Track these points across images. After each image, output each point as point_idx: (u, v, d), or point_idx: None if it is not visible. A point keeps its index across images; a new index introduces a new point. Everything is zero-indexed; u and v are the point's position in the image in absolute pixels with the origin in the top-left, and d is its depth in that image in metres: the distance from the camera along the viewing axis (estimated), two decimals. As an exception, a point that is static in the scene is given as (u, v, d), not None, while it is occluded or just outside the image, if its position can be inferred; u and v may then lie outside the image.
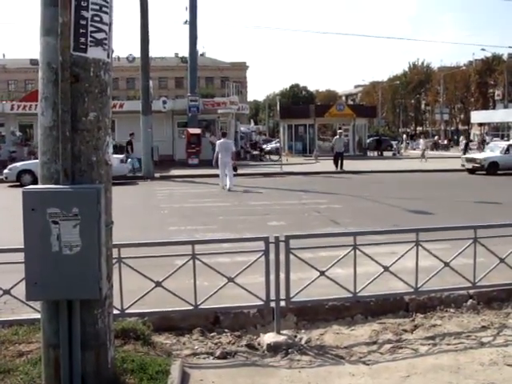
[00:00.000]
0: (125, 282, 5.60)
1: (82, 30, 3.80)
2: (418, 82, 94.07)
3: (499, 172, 26.39)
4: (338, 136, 29.82)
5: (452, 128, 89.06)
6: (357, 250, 6.01)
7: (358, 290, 6.06)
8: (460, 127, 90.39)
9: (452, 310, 6.73)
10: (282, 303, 5.93)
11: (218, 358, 5.52)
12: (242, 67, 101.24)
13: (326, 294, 6.29)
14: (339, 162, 28.61)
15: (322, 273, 6.00)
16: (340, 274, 6.32)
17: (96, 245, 3.88)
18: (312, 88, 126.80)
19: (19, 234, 3.92)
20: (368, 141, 48.75)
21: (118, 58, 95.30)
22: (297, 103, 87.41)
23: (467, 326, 6.24)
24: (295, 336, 5.96)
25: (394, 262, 6.19)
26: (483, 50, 70.11)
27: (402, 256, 6.22)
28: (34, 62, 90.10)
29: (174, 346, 5.82)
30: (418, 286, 6.23)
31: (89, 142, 4.00)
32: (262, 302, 5.90)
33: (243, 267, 5.85)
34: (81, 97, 3.92)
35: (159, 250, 6.20)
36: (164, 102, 32.93)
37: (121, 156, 25.24)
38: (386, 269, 6.13)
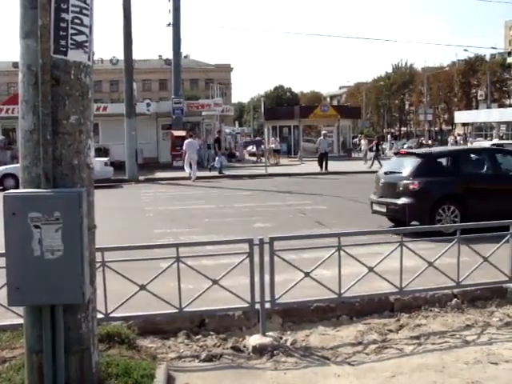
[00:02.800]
0: (109, 286, 5.57)
1: (62, 33, 3.77)
2: (401, 83, 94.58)
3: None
4: (322, 137, 29.93)
5: (436, 128, 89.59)
6: (341, 251, 6.02)
7: (342, 291, 6.07)
8: (444, 127, 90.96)
9: (437, 310, 6.76)
10: (267, 305, 5.93)
11: (204, 360, 5.50)
12: (226, 69, 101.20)
13: (312, 296, 6.30)
14: (324, 162, 28.67)
15: (307, 274, 6.01)
16: (325, 275, 6.33)
17: (78, 249, 3.85)
18: (296, 89, 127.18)
19: (1, 238, 3.88)
20: (353, 141, 48.92)
21: (102, 60, 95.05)
22: (281, 105, 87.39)
23: (452, 325, 6.27)
24: (280, 338, 5.96)
25: (378, 263, 6.21)
26: (466, 50, 70.87)
27: (387, 256, 6.24)
28: (16, 65, 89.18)
29: (159, 349, 5.79)
30: (403, 285, 6.26)
31: (70, 146, 3.97)
32: (247, 305, 5.89)
33: (228, 269, 5.84)
34: (61, 100, 3.89)
35: (144, 253, 6.20)
36: (148, 105, 32.83)
37: (105, 159, 25.14)
38: (371, 269, 6.15)
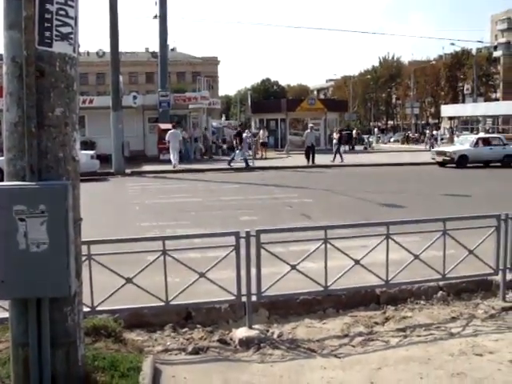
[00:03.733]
0: (95, 279, 5.55)
1: (46, 24, 3.73)
2: (388, 77, 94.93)
3: (469, 165, 26.77)
4: (308, 130, 29.91)
5: (423, 122, 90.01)
6: (328, 244, 6.03)
7: (329, 284, 6.09)
8: (430, 121, 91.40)
9: (422, 302, 6.82)
10: (254, 298, 5.93)
11: (190, 353, 5.51)
12: (213, 62, 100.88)
13: (298, 288, 6.31)
14: (311, 155, 28.69)
15: (293, 267, 6.02)
16: (311, 268, 6.33)
17: (64, 242, 3.83)
18: (283, 82, 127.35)
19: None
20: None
21: (88, 52, 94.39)
22: (268, 98, 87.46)
23: (437, 318, 6.32)
24: (267, 330, 5.97)
25: (364, 256, 6.23)
26: (453, 44, 70.98)
27: (373, 249, 6.27)
28: (0, 57, 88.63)
29: (146, 342, 5.80)
30: (389, 278, 6.29)
31: (55, 138, 3.94)
32: (233, 297, 5.89)
33: (214, 262, 5.84)
34: (46, 92, 3.85)
35: (131, 246, 6.18)
36: (134, 98, 32.60)
37: (91, 152, 24.95)
38: (357, 262, 6.17)
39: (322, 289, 6.12)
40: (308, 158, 28.61)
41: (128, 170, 26.59)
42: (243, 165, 27.91)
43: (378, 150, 45.63)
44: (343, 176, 24.58)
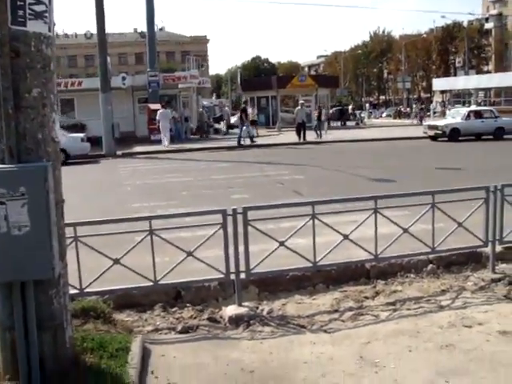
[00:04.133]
0: (83, 261, 5.52)
1: (19, 3, 3.64)
2: (379, 51, 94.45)
3: (460, 138, 26.76)
4: (299, 107, 29.73)
5: (415, 96, 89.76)
6: (316, 220, 6.01)
7: (317, 260, 6.08)
8: (422, 95, 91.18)
9: (412, 276, 6.83)
10: (242, 275, 5.92)
11: (180, 332, 5.51)
12: (202, 41, 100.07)
13: (287, 265, 6.30)
14: (302, 132, 28.58)
15: (282, 243, 6.00)
16: (300, 244, 6.31)
17: (46, 224, 3.79)
18: (274, 59, 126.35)
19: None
20: (331, 111, 48.87)
21: (76, 34, 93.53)
22: (259, 75, 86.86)
23: (427, 291, 6.34)
24: (257, 307, 5.98)
25: (353, 230, 6.22)
26: (443, 17, 70.91)
27: (361, 224, 6.25)
28: None
29: (136, 322, 5.80)
30: (378, 253, 6.28)
31: (34, 120, 3.88)
32: (222, 275, 5.88)
33: (202, 241, 5.82)
34: (22, 73, 3.78)
35: (118, 227, 6.14)
36: (123, 79, 32.29)
37: (81, 135, 24.78)
38: (346, 237, 6.16)
39: (310, 265, 6.11)
40: (299, 135, 28.51)
41: (119, 152, 26.46)
42: (235, 144, 27.82)
43: (370, 126, 45.54)
44: (334, 152, 24.51)
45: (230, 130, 38.15)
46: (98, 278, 5.68)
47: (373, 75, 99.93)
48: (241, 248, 5.81)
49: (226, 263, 5.82)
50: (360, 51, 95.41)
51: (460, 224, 6.57)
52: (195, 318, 5.86)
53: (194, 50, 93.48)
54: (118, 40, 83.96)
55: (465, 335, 5.06)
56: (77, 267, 5.46)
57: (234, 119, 41.29)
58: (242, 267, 5.87)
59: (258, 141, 30.13)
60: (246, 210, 5.80)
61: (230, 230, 5.74)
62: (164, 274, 5.76)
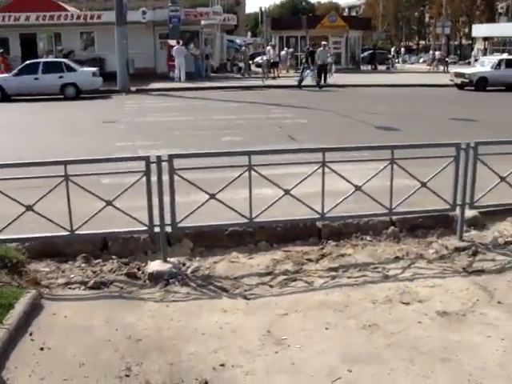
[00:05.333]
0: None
1: None
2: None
3: (488, 88, 25.28)
4: (321, 48, 28.36)
5: (456, 42, 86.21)
6: (253, 172, 5.36)
7: (254, 216, 5.46)
8: (464, 42, 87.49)
9: (369, 238, 6.15)
10: (168, 229, 5.36)
11: (91, 288, 5.07)
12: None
13: (222, 220, 5.69)
14: (323, 74, 27.39)
15: (212, 196, 5.39)
16: (236, 197, 5.69)
17: None
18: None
19: None
20: (362, 54, 47.13)
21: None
22: (296, 14, 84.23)
23: (379, 257, 5.69)
24: (184, 264, 5.46)
25: (296, 185, 5.55)
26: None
27: (306, 178, 5.57)
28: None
29: (51, 274, 5.35)
30: (325, 211, 5.62)
31: None
32: (145, 228, 5.33)
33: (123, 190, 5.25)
34: None
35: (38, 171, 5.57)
36: (144, 13, 31.17)
37: (92, 69, 24.20)
38: (287, 192, 5.50)
39: (246, 221, 5.50)
40: (320, 77, 27.31)
41: (133, 88, 25.77)
42: (255, 83, 26.88)
43: (400, 71, 43.65)
44: (352, 96, 23.41)
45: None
46: (10, 224, 5.18)
47: (414, 19, 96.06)
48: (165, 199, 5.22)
49: (150, 215, 5.26)
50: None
51: (423, 184, 5.83)
52: (114, 272, 5.36)
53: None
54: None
55: (397, 314, 4.45)
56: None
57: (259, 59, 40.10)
58: (168, 220, 5.30)
59: (279, 82, 29.17)
60: (171, 157, 5.19)
61: (152, 178, 5.16)
62: (81, 224, 5.24)
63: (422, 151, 6.14)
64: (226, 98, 22.14)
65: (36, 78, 22.39)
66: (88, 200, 5.40)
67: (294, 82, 27.55)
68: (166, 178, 5.20)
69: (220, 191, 5.40)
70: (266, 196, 5.88)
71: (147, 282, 5.16)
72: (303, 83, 26.63)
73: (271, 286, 5.03)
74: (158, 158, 5.13)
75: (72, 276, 5.26)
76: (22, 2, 36.09)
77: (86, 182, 5.32)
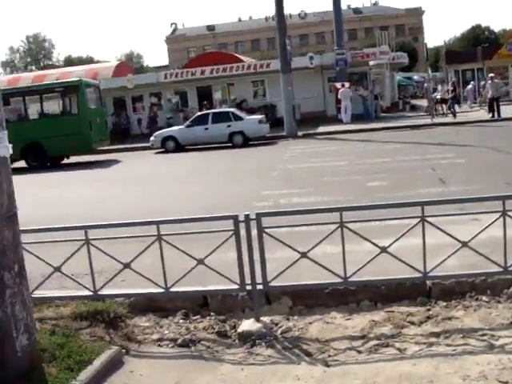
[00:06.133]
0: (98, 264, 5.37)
1: None
2: None
3: None
4: (489, 80, 26.65)
5: None
6: (344, 228, 5.10)
7: (348, 275, 5.17)
8: None
9: (485, 299, 5.49)
10: (260, 287, 5.28)
11: (180, 345, 5.11)
12: (417, 13, 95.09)
13: (314, 278, 5.45)
14: (495, 108, 25.64)
15: (304, 254, 5.21)
16: (327, 253, 5.47)
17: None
18: (497, 27, 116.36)
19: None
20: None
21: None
22: (478, 46, 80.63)
23: (492, 321, 5.02)
24: (277, 324, 5.30)
25: (394, 242, 5.17)
26: None
27: (404, 235, 5.16)
28: (210, 28, 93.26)
29: (148, 329, 5.49)
30: (427, 270, 5.15)
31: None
32: (236, 286, 5.31)
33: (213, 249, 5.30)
34: None
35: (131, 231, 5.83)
36: (311, 58, 32.00)
37: (259, 116, 25.20)
38: (384, 250, 5.14)
39: (340, 280, 5.23)
40: (492, 111, 25.64)
41: (300, 133, 26.33)
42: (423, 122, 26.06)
43: None
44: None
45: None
46: (110, 280, 5.48)
47: None
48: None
49: (240, 273, 5.23)
50: None
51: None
52: (207, 329, 5.37)
53: (409, 22, 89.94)
54: (297, 22, 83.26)
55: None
56: (89, 269, 5.36)
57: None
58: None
59: (448, 119, 27.98)
60: (259, 216, 5.13)
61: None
62: (175, 281, 5.37)
63: None
64: (387, 139, 21.63)
65: (206, 128, 23.85)
66: (179, 256, 5.48)
67: (460, 119, 26.36)
68: (254, 232, 5.16)
69: (312, 249, 5.20)
70: (359, 251, 5.58)
71: (236, 341, 5.10)
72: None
73: (359, 352, 4.70)
74: (247, 216, 5.10)
75: (166, 332, 5.37)
76: (202, 57, 38.98)
77: (174, 238, 5.43)
